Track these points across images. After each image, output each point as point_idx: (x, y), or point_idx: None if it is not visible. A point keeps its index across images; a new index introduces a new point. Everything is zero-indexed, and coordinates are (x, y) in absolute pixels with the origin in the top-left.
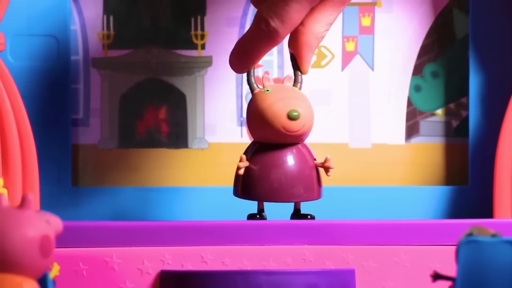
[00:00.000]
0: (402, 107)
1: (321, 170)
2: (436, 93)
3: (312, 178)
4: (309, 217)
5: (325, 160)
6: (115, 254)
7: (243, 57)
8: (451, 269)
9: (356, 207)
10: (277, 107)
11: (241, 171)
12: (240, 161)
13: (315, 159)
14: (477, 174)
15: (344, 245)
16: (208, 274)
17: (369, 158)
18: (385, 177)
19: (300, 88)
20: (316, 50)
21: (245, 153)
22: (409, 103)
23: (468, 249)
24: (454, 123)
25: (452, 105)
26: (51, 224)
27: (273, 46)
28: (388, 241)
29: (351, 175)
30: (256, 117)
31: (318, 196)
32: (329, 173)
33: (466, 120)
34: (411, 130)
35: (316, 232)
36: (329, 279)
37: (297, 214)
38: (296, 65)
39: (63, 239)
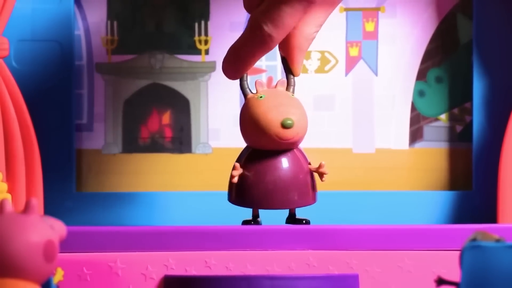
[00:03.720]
0: (406, 112)
1: (316, 175)
2: (440, 98)
3: (307, 183)
4: (304, 222)
5: (320, 166)
6: (119, 259)
7: (237, 63)
8: (455, 274)
9: (359, 212)
10: (271, 115)
11: (235, 179)
12: (234, 169)
13: (309, 163)
14: (481, 179)
15: (347, 250)
16: (211, 279)
17: (373, 163)
18: (389, 182)
19: (293, 92)
20: (320, 56)
21: (238, 158)
22: (413, 108)
23: (472, 254)
24: (458, 128)
25: (456, 110)
26: (55, 229)
27: (267, 51)
28: (392, 246)
29: (355, 180)
30: (249, 123)
31: (313, 200)
32: (323, 179)
33: (470, 125)
34: (415, 135)
35: (320, 237)
36: (333, 284)
37: (292, 219)
38: (288, 68)
39: (67, 244)
